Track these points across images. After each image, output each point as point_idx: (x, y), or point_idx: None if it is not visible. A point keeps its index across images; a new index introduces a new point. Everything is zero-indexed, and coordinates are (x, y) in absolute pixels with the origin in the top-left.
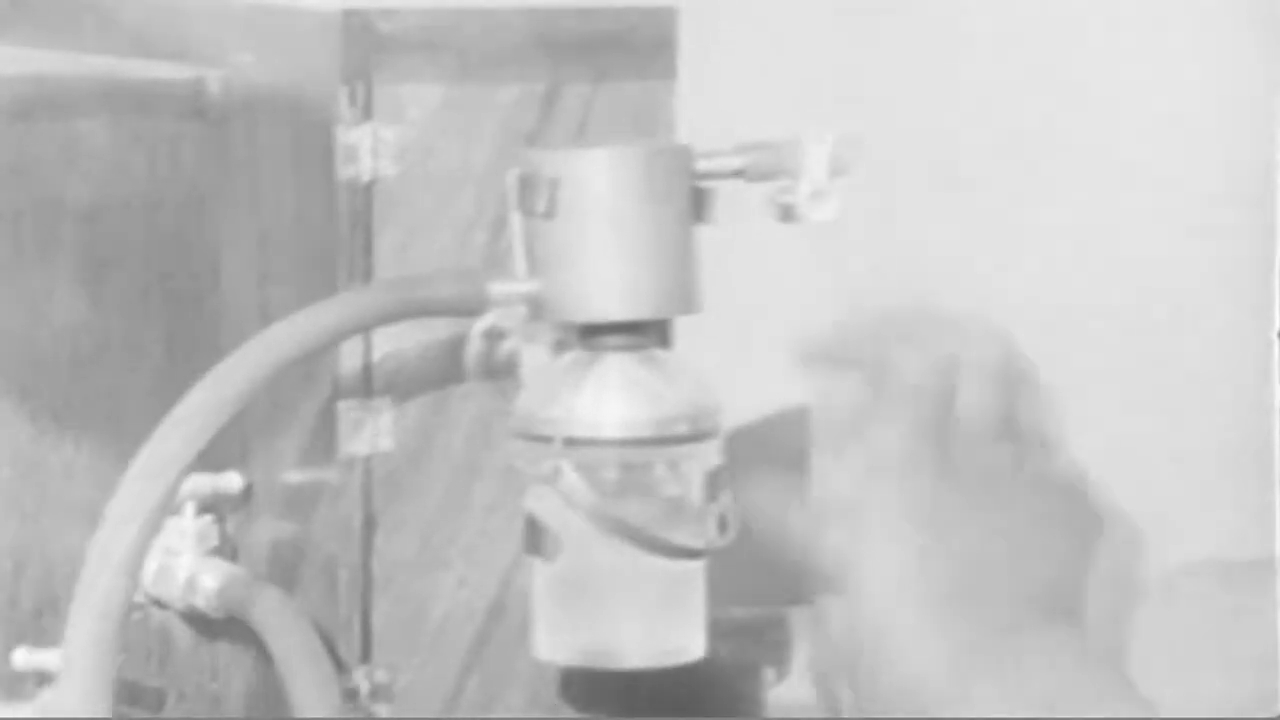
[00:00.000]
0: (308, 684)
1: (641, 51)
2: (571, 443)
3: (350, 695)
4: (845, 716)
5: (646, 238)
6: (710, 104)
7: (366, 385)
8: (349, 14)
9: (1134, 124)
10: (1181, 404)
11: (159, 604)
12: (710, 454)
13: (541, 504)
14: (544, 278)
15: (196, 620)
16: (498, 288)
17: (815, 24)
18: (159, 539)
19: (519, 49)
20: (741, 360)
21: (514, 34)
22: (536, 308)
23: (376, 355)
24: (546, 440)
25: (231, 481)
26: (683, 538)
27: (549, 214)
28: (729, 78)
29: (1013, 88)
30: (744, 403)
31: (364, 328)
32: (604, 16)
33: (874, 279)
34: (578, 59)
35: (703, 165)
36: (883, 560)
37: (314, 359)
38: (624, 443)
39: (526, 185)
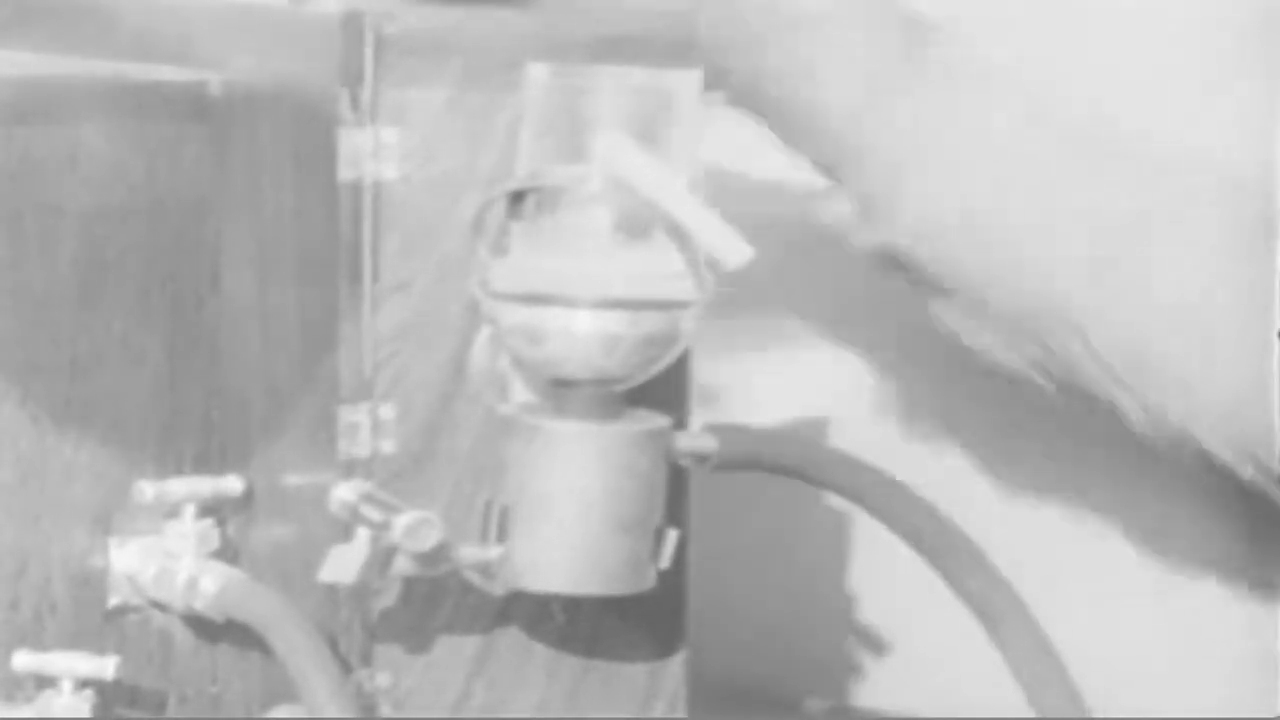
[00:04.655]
0: (319, 685)
1: (655, 56)
2: None
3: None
4: None
5: None
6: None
7: (369, 388)
8: (350, 17)
9: (1134, 121)
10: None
11: (159, 607)
12: None
13: None
14: None
15: (197, 623)
16: None
17: None
18: (159, 542)
19: (522, 52)
20: None
21: (517, 37)
22: None
23: (379, 358)
24: None
25: (232, 484)
26: None
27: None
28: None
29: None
30: None
31: None
32: (612, 19)
33: None
34: (582, 63)
35: None
36: None
37: (315, 362)
38: None
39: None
